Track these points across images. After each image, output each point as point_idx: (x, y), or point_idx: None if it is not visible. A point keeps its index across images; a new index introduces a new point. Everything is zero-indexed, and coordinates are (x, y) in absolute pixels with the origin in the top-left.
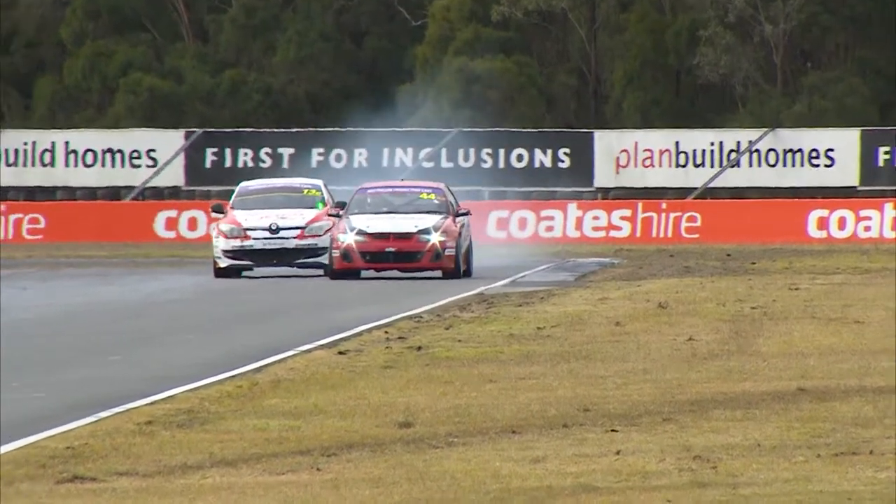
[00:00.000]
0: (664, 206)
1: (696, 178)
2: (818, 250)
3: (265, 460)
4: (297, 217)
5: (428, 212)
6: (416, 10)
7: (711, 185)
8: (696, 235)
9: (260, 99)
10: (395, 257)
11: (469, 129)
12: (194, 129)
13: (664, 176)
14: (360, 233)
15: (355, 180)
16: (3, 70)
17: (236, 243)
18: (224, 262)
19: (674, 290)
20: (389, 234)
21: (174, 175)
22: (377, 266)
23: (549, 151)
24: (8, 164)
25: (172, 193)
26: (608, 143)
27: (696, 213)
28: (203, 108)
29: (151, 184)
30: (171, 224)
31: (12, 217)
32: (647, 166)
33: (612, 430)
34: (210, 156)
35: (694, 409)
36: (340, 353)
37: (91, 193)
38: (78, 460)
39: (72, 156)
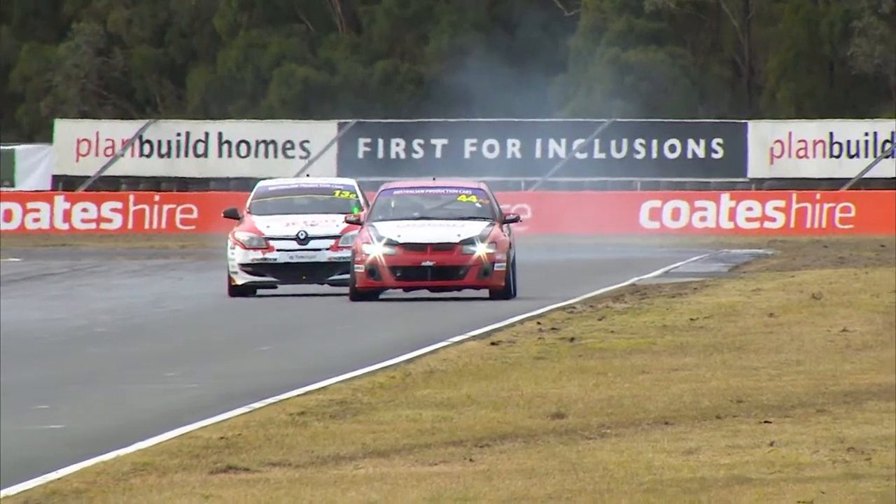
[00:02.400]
0: (818, 196)
1: (849, 168)
2: None
3: (417, 451)
4: (330, 224)
5: (470, 217)
6: (570, 0)
7: (865, 175)
8: (850, 226)
9: (413, 89)
10: (434, 274)
11: (622, 120)
12: (347, 120)
13: (818, 166)
14: (390, 243)
15: (509, 171)
16: (158, 60)
17: (257, 256)
18: (242, 279)
19: (828, 281)
20: (427, 244)
21: (327, 166)
22: (411, 284)
23: (703, 142)
24: (161, 155)
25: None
26: (762, 134)
27: (849, 204)
28: (356, 98)
29: (305, 174)
30: None
31: (165, 207)
32: (800, 157)
33: (766, 422)
34: (362, 147)
35: (848, 401)
36: (493, 343)
37: (244, 184)
38: (231, 451)
39: (225, 146)
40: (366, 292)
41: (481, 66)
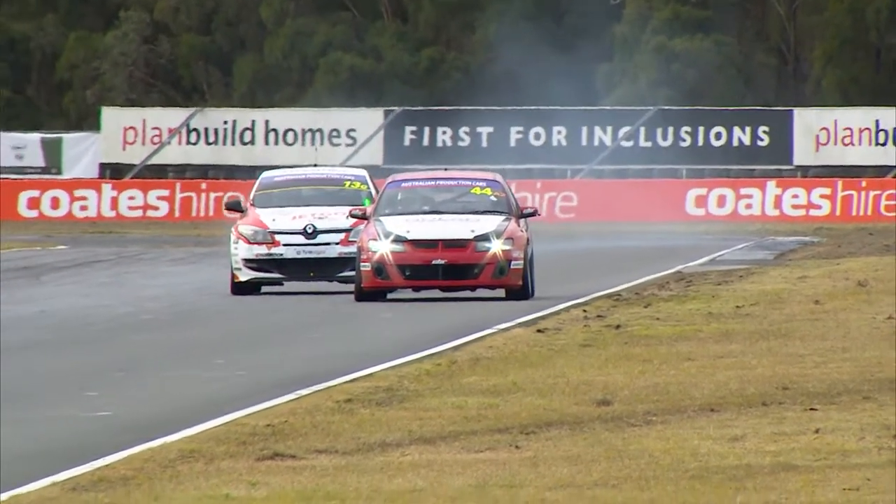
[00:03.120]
0: (864, 184)
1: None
2: None
3: (464, 438)
4: (339, 217)
5: (484, 211)
6: None
7: None
8: None
9: (459, 77)
10: (446, 272)
11: (668, 108)
12: (393, 108)
13: (864, 154)
14: (398, 240)
15: (555, 159)
16: (205, 48)
17: (261, 251)
18: (245, 275)
19: (873, 269)
20: (438, 241)
21: (373, 154)
22: (421, 284)
23: (748, 129)
24: (208, 143)
25: (370, 171)
26: (807, 122)
27: None
28: (402, 86)
29: (350, 163)
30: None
31: (212, 195)
32: (846, 144)
33: (811, 409)
34: (409, 134)
35: (894, 388)
36: (539, 331)
37: None
38: (278, 437)
39: (272, 134)
40: (372, 292)
41: (527, 54)
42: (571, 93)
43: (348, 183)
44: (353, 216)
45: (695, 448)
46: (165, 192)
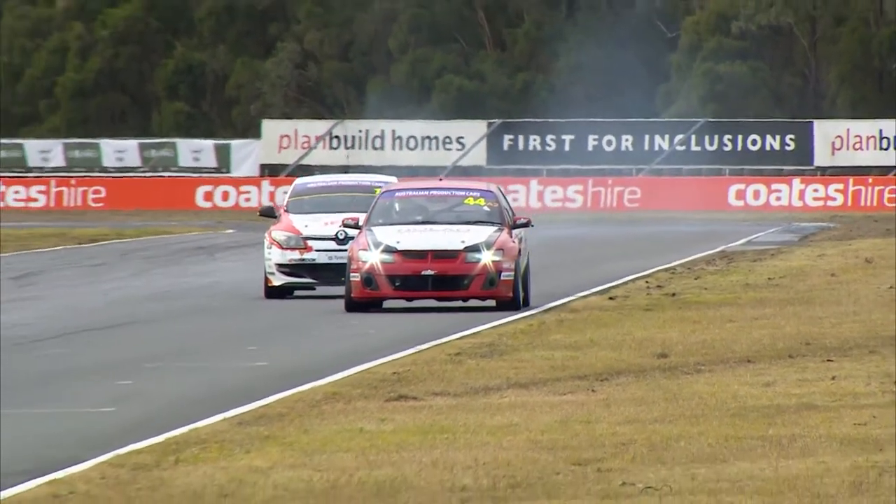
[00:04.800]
0: (870, 181)
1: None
2: None
3: (550, 384)
4: None
5: (476, 222)
6: (671, 24)
7: None
8: None
9: (546, 95)
10: (435, 283)
11: (714, 120)
12: (494, 120)
13: (870, 157)
14: (388, 250)
15: (623, 161)
16: (344, 73)
17: (294, 256)
18: (279, 279)
19: (878, 248)
20: (427, 251)
21: (478, 156)
22: (410, 294)
23: (778, 137)
24: (347, 147)
25: (475, 171)
26: (825, 131)
27: None
28: (501, 103)
29: (459, 164)
30: None
31: None
32: (856, 149)
33: (829, 360)
34: (506, 141)
35: (894, 344)
36: (610, 298)
37: (412, 171)
38: (402, 383)
39: (397, 141)
40: (362, 302)
41: (601, 76)
42: (637, 108)
43: (378, 190)
44: (346, 226)
45: (735, 391)
46: None
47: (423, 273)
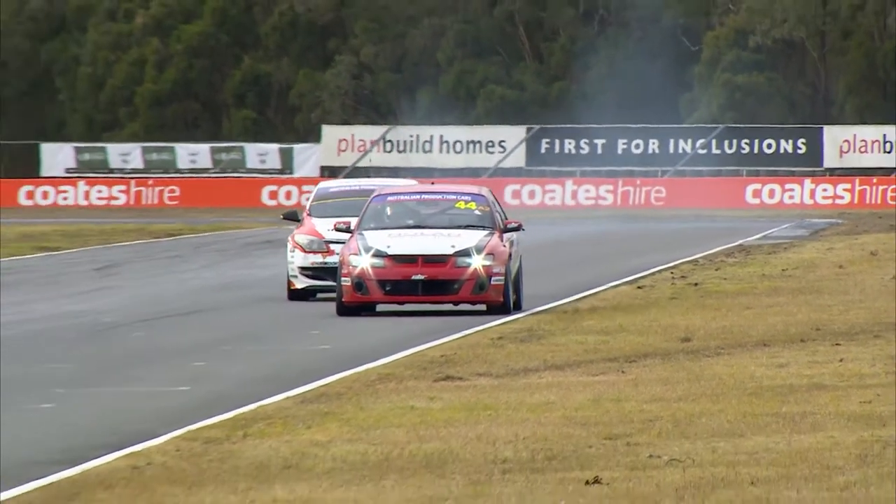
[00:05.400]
0: (875, 181)
1: None
2: None
3: (584, 365)
4: None
5: (467, 226)
6: (694, 38)
7: None
8: None
9: (580, 103)
10: (425, 288)
11: (732, 126)
12: (533, 126)
13: (875, 159)
14: (378, 254)
15: (650, 163)
16: (396, 83)
17: (317, 259)
18: (301, 282)
19: (882, 242)
20: (418, 256)
21: (518, 159)
22: (400, 299)
23: (791, 141)
24: (399, 151)
25: (515, 173)
26: (834, 136)
27: None
28: (539, 110)
29: (501, 165)
30: (516, 194)
31: None
32: (862, 152)
33: (837, 344)
34: (544, 145)
35: None
36: (638, 287)
37: (458, 173)
38: (449, 365)
39: (445, 145)
40: (353, 307)
41: (630, 86)
42: (662, 115)
43: None
44: (337, 230)
45: (751, 372)
46: None
47: (413, 277)
